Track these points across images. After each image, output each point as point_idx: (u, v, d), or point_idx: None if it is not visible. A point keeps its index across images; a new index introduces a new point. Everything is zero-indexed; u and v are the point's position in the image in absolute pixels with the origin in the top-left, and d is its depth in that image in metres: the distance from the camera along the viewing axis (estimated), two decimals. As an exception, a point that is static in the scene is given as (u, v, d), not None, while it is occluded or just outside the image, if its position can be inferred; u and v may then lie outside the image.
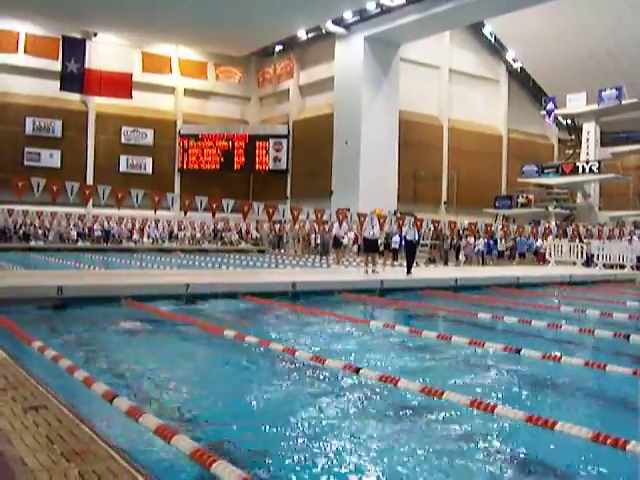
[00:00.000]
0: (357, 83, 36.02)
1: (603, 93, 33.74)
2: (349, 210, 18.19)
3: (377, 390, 5.96)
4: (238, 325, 9.54)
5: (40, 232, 34.22)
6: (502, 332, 10.06)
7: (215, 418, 5.27)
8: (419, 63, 39.62)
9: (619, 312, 11.17)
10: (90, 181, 36.90)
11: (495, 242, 26.93)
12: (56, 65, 35.24)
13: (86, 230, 35.18)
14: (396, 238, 23.49)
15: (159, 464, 4.00)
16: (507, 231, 23.71)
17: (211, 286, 12.59)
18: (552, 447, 4.61)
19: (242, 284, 13.16)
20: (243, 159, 42.73)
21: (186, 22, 35.44)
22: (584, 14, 35.33)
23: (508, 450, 4.58)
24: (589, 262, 23.80)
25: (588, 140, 35.73)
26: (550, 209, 36.28)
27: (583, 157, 35.48)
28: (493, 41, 42.68)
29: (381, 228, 17.92)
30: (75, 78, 34.26)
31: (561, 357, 7.03)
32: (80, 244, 33.64)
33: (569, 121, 39.04)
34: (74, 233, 34.63)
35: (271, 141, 42.58)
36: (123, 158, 41.39)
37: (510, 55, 43.20)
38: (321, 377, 6.53)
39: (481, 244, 25.97)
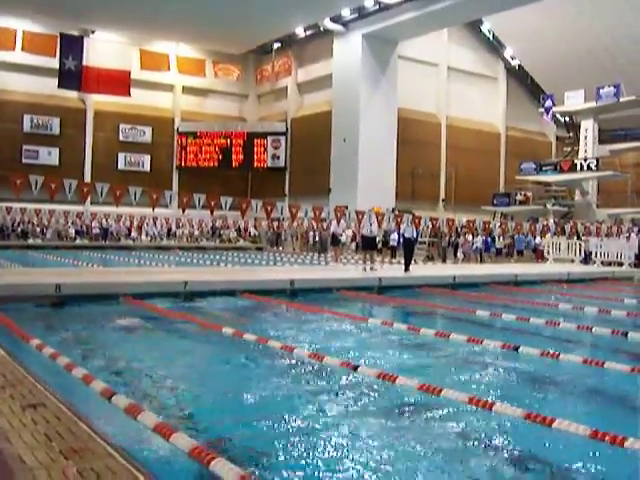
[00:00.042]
0: (355, 81, 36.00)
1: (601, 90, 33.73)
2: (347, 208, 18.14)
3: (375, 387, 5.96)
4: (236, 323, 9.54)
5: (38, 230, 34.18)
6: (500, 329, 10.06)
7: (214, 416, 5.27)
8: (417, 60, 39.59)
9: (617, 309, 11.17)
10: (88, 179, 36.83)
11: (493, 239, 26.96)
12: (54, 62, 35.19)
13: (84, 228, 35.14)
14: (394, 236, 23.50)
15: (158, 462, 4.00)
16: (505, 228, 23.73)
17: (209, 284, 12.59)
18: (550, 444, 4.61)
19: (240, 282, 13.15)
20: (241, 157, 42.72)
21: (184, 20, 35.39)
22: (582, 12, 35.32)
23: (506, 447, 4.58)
24: (587, 259, 23.83)
25: (586, 137, 35.71)
26: (548, 206, 36.29)
27: (581, 154, 35.47)
28: (491, 38, 42.64)
29: (379, 226, 17.94)
30: (73, 75, 34.20)
31: (559, 354, 7.03)
32: (78, 242, 33.63)
33: (567, 118, 39.00)
34: (72, 231, 34.59)
35: (269, 139, 42.57)
36: (121, 156, 41.38)
37: (508, 52, 43.19)
38: (319, 374, 6.53)
39: (479, 241, 25.99)
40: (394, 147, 36.67)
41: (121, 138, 41.38)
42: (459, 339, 8.02)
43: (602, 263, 22.86)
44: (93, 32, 38.95)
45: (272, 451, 4.38)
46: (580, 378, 6.78)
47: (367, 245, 17.64)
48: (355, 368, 6.25)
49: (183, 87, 43.36)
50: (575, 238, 25.25)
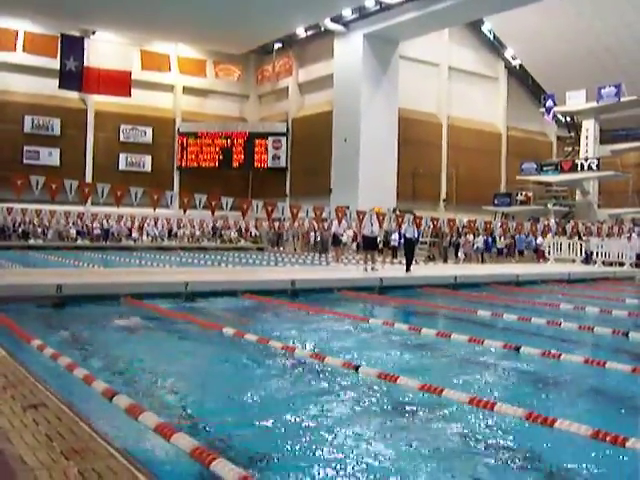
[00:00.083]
0: (356, 81, 35.99)
1: (602, 90, 33.71)
2: (348, 208, 18.16)
3: (376, 387, 5.96)
4: (237, 323, 9.54)
5: (39, 230, 34.21)
6: (501, 330, 10.04)
7: (215, 416, 5.26)
8: (418, 60, 39.58)
9: (618, 309, 11.17)
10: (89, 179, 36.84)
11: (494, 240, 26.93)
12: (55, 63, 35.15)
13: (85, 228, 35.16)
14: (395, 236, 23.48)
15: (159, 462, 3.99)
16: (506, 228, 23.70)
17: (210, 284, 12.60)
18: (551, 444, 4.60)
19: (241, 282, 13.15)
20: (242, 157, 42.72)
21: (185, 20, 35.40)
22: (583, 11, 35.31)
23: (508, 448, 4.58)
24: (588, 260, 23.81)
25: (587, 137, 35.69)
26: (549, 206, 36.28)
27: (582, 154, 35.46)
28: (492, 39, 42.64)
29: (380, 226, 17.93)
30: (74, 76, 34.17)
31: (560, 355, 7.02)
32: (79, 242, 33.65)
33: (568, 118, 38.99)
34: (73, 231, 34.62)
35: (270, 139, 42.57)
36: (122, 156, 41.39)
37: (509, 52, 43.17)
38: (320, 375, 6.52)
39: (480, 242, 25.98)
40: (395, 147, 36.65)
41: (122, 138, 41.40)
42: (460, 339, 8.01)
43: (603, 263, 22.84)
44: (94, 33, 38.99)
45: (273, 451, 4.38)
46: (581, 378, 6.77)
47: (368, 245, 17.64)
48: (356, 368, 6.25)
49: (184, 87, 43.37)
50: (576, 238, 25.23)
